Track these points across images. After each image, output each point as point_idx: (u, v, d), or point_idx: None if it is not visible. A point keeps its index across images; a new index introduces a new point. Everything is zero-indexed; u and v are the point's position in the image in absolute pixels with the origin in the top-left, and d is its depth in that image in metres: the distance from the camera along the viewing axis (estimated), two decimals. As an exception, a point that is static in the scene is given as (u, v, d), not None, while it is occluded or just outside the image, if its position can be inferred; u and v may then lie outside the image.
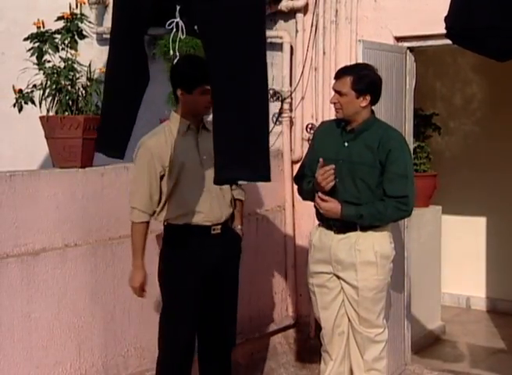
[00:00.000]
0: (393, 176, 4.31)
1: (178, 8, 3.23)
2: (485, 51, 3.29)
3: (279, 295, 5.78)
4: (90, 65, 4.62)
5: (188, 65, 4.10)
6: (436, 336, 6.56)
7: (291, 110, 5.81)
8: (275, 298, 5.75)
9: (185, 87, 4.08)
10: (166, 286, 4.24)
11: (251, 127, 2.99)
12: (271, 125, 5.82)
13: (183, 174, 4.12)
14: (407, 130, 5.52)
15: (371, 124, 4.41)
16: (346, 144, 4.42)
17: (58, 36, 4.47)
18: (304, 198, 4.62)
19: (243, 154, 2.98)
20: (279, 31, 5.79)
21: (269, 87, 5.64)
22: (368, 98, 4.34)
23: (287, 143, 5.79)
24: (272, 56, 5.81)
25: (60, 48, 4.51)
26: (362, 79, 4.30)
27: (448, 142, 7.41)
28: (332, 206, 4.34)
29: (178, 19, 3.36)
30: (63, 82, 4.47)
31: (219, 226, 4.21)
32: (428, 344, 6.34)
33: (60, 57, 4.48)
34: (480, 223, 7.29)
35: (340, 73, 4.37)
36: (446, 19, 3.13)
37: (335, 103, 4.37)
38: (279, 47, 5.79)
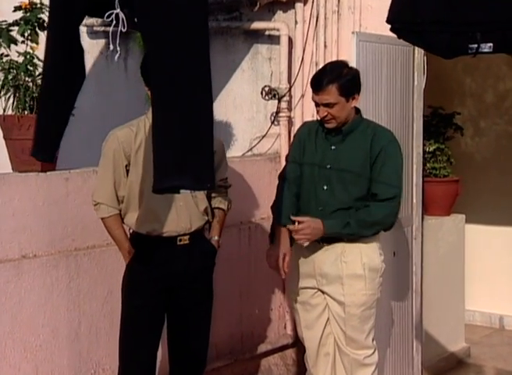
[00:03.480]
0: (382, 178, 4.15)
1: None
2: (433, 48, 3.19)
3: (275, 312, 5.56)
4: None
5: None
6: (459, 359, 6.27)
7: (290, 109, 5.60)
8: (271, 314, 5.54)
9: (145, 82, 4.02)
10: (125, 300, 4.14)
11: (193, 132, 2.90)
12: (267, 126, 5.64)
13: (147, 176, 3.93)
14: (416, 131, 5.29)
15: (358, 123, 4.28)
16: (332, 147, 4.28)
17: (16, 28, 4.32)
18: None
19: (184, 161, 2.89)
20: (276, 23, 5.59)
21: (265, 84, 5.57)
22: (357, 96, 4.22)
23: (285, 145, 5.56)
24: (270, 50, 5.68)
25: (20, 40, 4.37)
26: (346, 81, 4.16)
27: (479, 143, 7.14)
28: (314, 226, 4.16)
29: (118, 11, 3.19)
30: (23, 78, 4.32)
31: (187, 237, 4.09)
32: (448, 367, 6.08)
33: (17, 52, 4.34)
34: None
35: (321, 84, 4.15)
36: (389, 11, 2.96)
37: (325, 116, 4.19)
38: (276, 40, 5.60)
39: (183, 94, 2.87)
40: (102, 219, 4.08)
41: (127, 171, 4.03)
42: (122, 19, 3.18)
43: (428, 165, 6.12)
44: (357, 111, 4.29)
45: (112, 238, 4.13)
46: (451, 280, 6.19)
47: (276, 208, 4.35)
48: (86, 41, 6.26)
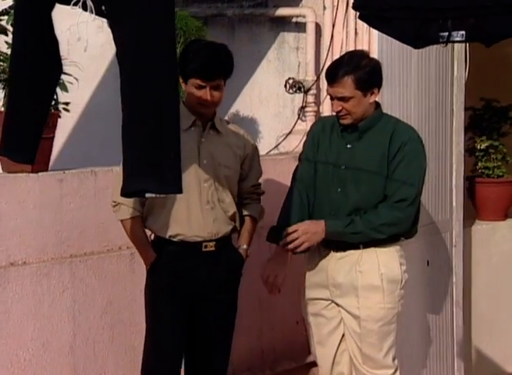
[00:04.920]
0: (397, 177, 3.99)
1: None
2: (402, 37, 3.15)
3: (301, 325, 5.32)
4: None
5: (190, 51, 3.96)
6: (517, 380, 6.02)
7: (317, 103, 5.41)
8: (295, 328, 5.31)
9: (182, 74, 3.90)
10: (147, 308, 4.10)
11: (155, 133, 2.85)
12: (293, 121, 5.44)
13: None
14: (456, 127, 5.10)
15: (378, 119, 4.10)
16: (348, 145, 4.11)
17: (6, 17, 4.25)
18: None
19: (146, 163, 2.86)
20: (302, 9, 5.43)
21: (293, 75, 5.37)
22: (376, 91, 4.04)
23: (313, 143, 5.38)
24: (297, 39, 5.51)
25: (11, 30, 4.27)
26: (365, 74, 3.98)
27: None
28: (309, 229, 4.02)
29: None
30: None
31: (213, 243, 4.00)
32: (504, 389, 5.84)
33: (6, 42, 4.23)
34: None
35: (336, 76, 3.98)
36: None
37: (339, 111, 4.03)
38: (304, 28, 5.44)
39: (146, 88, 2.81)
40: (122, 221, 4.02)
41: None
42: (91, 7, 3.07)
43: (479, 164, 5.95)
44: (377, 105, 4.11)
45: (132, 242, 4.09)
46: (506, 291, 5.96)
47: (280, 218, 4.23)
48: (107, 31, 6.16)
